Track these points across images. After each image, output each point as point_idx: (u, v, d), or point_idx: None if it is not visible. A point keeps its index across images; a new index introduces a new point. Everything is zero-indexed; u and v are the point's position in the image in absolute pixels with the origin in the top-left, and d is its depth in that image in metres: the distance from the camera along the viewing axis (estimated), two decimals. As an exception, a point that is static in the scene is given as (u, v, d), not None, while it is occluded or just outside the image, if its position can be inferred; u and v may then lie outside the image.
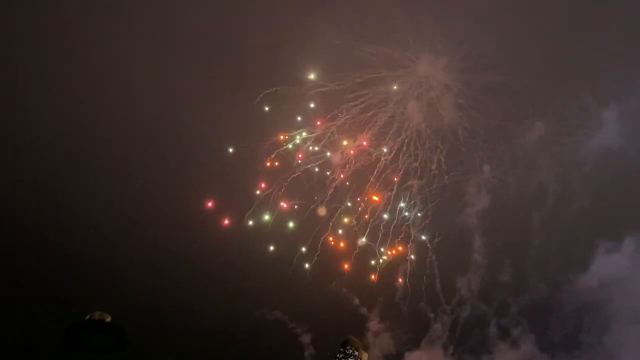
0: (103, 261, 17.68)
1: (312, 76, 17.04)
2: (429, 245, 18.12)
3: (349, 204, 18.20)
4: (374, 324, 17.72)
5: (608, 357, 16.68)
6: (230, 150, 17.60)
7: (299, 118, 17.61)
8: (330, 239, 18.03)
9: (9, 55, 16.21)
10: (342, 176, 18.05)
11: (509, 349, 17.49)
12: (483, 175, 17.67)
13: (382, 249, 18.13)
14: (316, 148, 17.98)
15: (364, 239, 18.13)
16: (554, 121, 17.64)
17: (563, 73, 17.55)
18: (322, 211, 18.15)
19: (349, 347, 5.94)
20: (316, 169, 18.02)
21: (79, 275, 17.24)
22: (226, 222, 18.22)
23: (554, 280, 17.40)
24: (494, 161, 17.78)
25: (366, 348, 6.00)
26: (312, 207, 18.13)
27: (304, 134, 17.66)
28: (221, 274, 17.69)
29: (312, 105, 17.33)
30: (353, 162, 17.88)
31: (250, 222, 18.24)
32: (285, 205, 17.96)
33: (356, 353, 5.85)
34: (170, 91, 16.77)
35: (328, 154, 17.98)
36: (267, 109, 17.39)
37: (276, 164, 17.84)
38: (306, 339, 17.20)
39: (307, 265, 18.14)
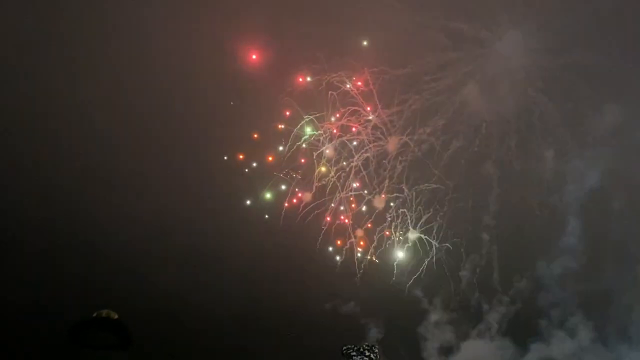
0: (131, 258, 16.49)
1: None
2: (488, 236, 17.19)
3: (407, 194, 16.90)
4: (434, 316, 17.25)
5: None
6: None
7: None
8: (387, 232, 16.85)
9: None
10: (401, 164, 16.53)
11: (564, 338, 17.35)
12: (557, 162, 16.38)
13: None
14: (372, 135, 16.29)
15: (418, 233, 17.09)
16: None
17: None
18: (379, 202, 16.85)
19: (375, 347, 5.72)
20: (375, 158, 16.44)
21: (93, 273, 16.20)
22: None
23: (619, 269, 16.91)
24: (570, 146, 16.42)
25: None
26: (367, 198, 16.83)
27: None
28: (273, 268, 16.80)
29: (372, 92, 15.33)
30: (416, 150, 16.30)
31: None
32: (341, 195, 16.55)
33: (376, 350, 5.77)
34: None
35: (388, 141, 16.31)
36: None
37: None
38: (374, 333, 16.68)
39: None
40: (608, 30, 15.54)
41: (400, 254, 17.08)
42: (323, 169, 16.00)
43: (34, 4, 14.37)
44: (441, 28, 14.49)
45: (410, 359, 17.22)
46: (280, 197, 16.76)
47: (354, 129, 15.70)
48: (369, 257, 16.77)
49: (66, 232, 16.19)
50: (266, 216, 16.80)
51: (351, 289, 16.97)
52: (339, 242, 16.95)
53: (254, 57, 15.16)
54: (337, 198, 16.55)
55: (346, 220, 16.84)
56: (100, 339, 4.98)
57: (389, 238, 17.17)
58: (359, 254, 16.59)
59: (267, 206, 16.82)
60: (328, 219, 16.62)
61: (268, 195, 16.24)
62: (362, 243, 16.70)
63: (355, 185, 16.32)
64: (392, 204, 17.05)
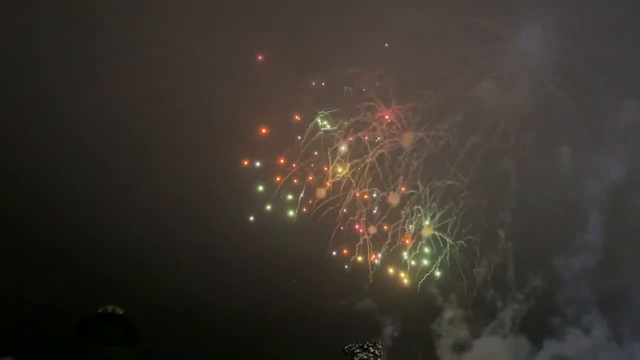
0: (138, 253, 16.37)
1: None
2: (503, 233, 17.01)
3: (422, 191, 16.69)
4: (448, 313, 17.13)
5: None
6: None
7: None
8: (406, 240, 16.68)
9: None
10: (417, 161, 16.32)
11: (579, 336, 17.22)
12: (574, 158, 16.16)
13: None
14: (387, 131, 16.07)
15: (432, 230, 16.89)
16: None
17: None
18: (394, 199, 16.65)
19: (378, 343, 5.65)
20: (390, 154, 16.23)
21: (100, 268, 16.10)
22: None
23: (635, 266, 16.72)
24: (588, 143, 16.19)
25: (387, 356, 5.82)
26: (381, 196, 16.64)
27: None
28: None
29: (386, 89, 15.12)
30: (432, 146, 16.09)
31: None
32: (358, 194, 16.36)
33: (380, 346, 5.70)
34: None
35: (403, 137, 16.09)
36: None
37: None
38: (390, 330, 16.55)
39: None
40: (628, 25, 15.29)
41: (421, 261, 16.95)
42: (339, 169, 15.80)
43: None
44: (459, 22, 14.20)
45: (424, 356, 17.15)
46: (294, 196, 16.63)
47: (366, 138, 15.46)
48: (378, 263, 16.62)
49: (72, 230, 16.08)
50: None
51: (364, 287, 16.87)
52: (345, 252, 16.76)
53: (259, 58, 14.97)
54: (351, 195, 16.37)
55: (361, 230, 16.67)
56: (106, 335, 4.94)
57: (405, 247, 16.99)
58: (376, 261, 16.41)
59: (280, 205, 16.70)
60: (342, 228, 16.45)
61: (288, 196, 16.03)
62: (373, 257, 16.53)
63: (374, 195, 16.12)
64: (410, 203, 16.88)
